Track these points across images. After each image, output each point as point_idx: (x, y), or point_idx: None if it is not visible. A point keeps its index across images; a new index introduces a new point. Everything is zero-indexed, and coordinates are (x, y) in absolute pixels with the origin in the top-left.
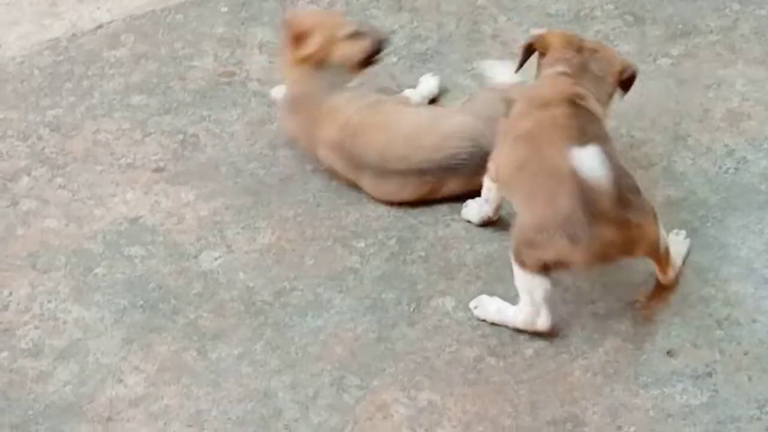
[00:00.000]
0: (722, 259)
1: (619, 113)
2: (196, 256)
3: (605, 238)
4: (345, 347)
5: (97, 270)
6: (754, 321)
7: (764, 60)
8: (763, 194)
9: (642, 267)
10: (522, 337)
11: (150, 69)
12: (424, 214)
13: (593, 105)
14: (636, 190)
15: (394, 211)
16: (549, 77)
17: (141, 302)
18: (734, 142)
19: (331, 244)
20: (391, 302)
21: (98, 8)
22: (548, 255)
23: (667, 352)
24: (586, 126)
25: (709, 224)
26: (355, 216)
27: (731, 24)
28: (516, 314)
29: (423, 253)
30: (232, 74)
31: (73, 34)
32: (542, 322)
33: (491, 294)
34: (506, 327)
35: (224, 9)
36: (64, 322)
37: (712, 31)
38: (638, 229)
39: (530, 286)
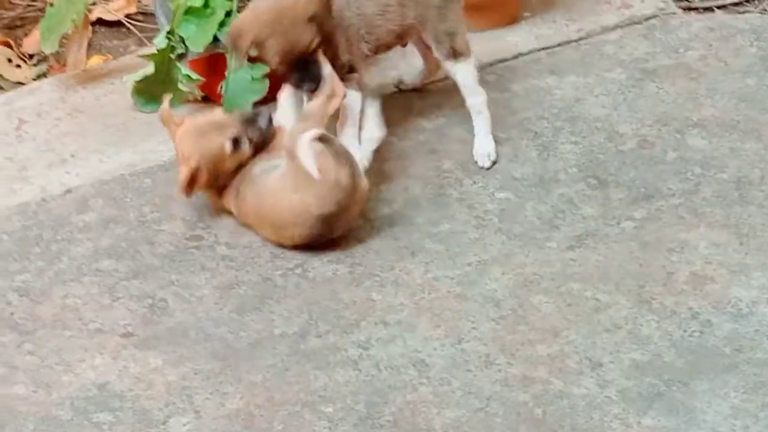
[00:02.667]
0: (688, 423)
1: (584, 276)
2: (164, 422)
3: None
4: None
5: None
6: None
7: (726, 223)
8: (728, 358)
9: None
10: None
11: (119, 233)
12: (392, 377)
13: None
14: None
15: (363, 375)
16: None
17: None
18: (698, 306)
19: (299, 410)
20: None
21: (67, 173)
22: None
23: None
24: None
25: (674, 388)
26: (324, 380)
27: (693, 188)
28: None
29: (391, 418)
30: (201, 238)
31: (43, 199)
32: None
33: None
34: None
35: None
36: None
37: (674, 195)
38: None
39: None
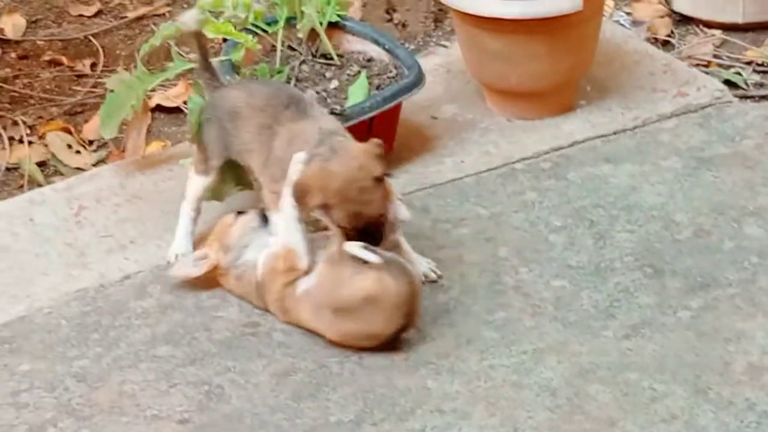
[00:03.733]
0: None
1: (640, 365)
2: None
3: None
4: None
5: None
6: None
7: None
8: None
9: None
10: None
11: (176, 319)
12: None
13: None
14: None
15: None
16: None
17: None
18: (756, 396)
19: None
20: None
21: (126, 259)
22: None
23: None
24: None
25: None
26: None
27: (750, 277)
28: None
29: None
30: (257, 325)
31: (101, 285)
32: None
33: None
34: None
35: None
36: None
37: (731, 284)
38: None
39: None
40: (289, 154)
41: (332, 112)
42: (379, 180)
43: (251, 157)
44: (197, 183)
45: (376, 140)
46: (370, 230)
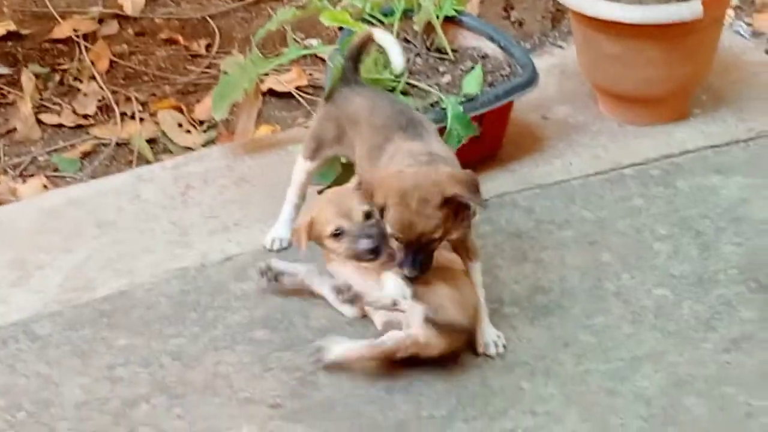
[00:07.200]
0: None
1: (739, 380)
2: None
3: None
4: None
5: None
6: None
7: None
8: None
9: None
10: None
11: (274, 304)
12: None
13: None
14: None
15: None
16: None
17: None
18: None
19: None
20: None
21: (229, 240)
22: None
23: None
24: None
25: None
26: None
27: None
28: None
29: None
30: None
31: (202, 265)
32: None
33: None
34: None
35: None
36: None
37: None
38: None
39: None
40: (393, 164)
41: None
42: (450, 201)
43: (360, 167)
44: (303, 168)
45: (471, 172)
46: (419, 249)
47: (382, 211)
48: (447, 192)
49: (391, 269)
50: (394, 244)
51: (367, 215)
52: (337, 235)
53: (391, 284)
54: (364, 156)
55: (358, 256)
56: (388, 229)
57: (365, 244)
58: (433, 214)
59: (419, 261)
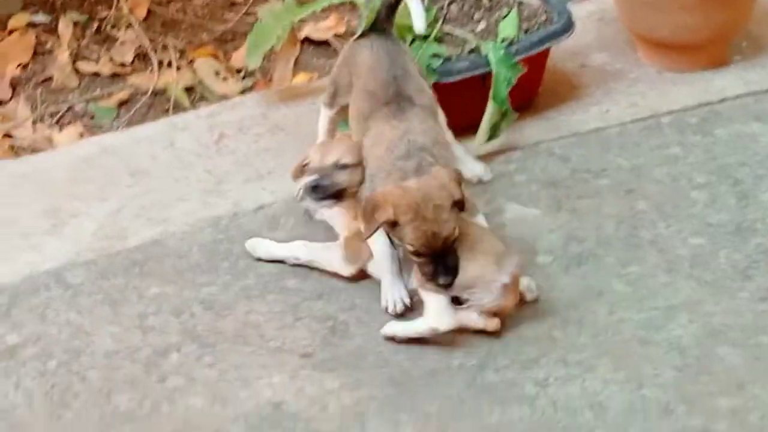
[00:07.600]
0: None
1: None
2: None
3: None
4: None
5: None
6: None
7: None
8: None
9: None
10: None
11: None
12: (567, 418)
13: None
14: None
15: (537, 414)
16: None
17: None
18: None
19: None
20: None
21: (262, 189)
22: None
23: None
24: None
25: None
26: (498, 416)
27: None
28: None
29: None
30: None
31: (235, 213)
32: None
33: None
34: None
35: None
36: None
37: None
38: None
39: None
40: (372, 154)
41: None
42: (458, 204)
43: (351, 122)
44: (325, 115)
45: (454, 167)
46: (444, 255)
47: (392, 226)
48: (456, 195)
49: (426, 287)
50: (416, 259)
51: (341, 167)
52: (304, 167)
53: (433, 309)
54: (353, 116)
55: (306, 191)
56: (409, 248)
57: (310, 181)
58: (449, 217)
59: (450, 266)
